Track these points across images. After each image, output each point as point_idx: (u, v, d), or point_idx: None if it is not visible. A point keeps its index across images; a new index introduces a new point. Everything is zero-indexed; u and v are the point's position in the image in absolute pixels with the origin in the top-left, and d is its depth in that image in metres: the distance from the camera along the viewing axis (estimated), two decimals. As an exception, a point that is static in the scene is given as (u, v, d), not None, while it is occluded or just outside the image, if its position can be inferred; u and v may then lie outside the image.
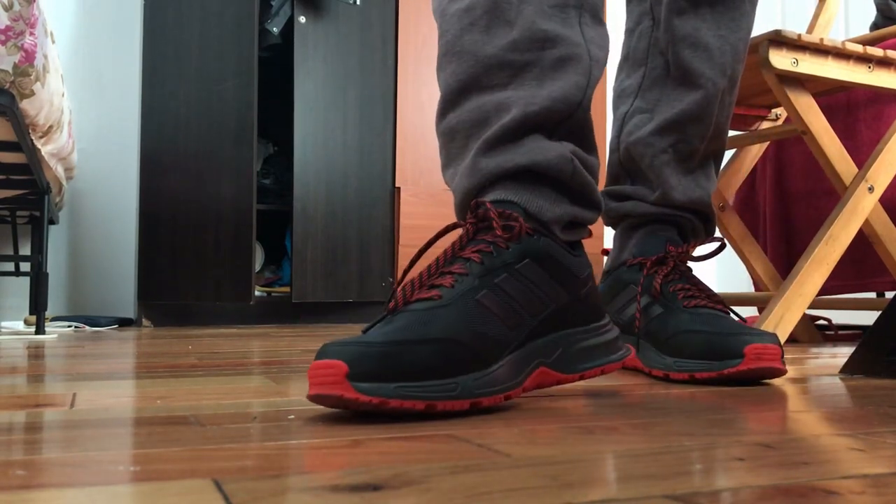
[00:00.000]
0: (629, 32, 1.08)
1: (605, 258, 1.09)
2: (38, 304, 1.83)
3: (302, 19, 2.53)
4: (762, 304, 1.51)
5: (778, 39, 1.28)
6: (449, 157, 0.77)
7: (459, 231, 2.57)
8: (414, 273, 2.57)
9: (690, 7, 1.00)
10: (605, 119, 2.97)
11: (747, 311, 3.07)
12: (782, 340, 1.30)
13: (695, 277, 0.94)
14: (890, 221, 1.43)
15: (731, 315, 0.91)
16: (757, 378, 0.83)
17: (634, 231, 1.01)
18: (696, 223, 1.01)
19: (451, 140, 0.75)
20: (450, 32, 0.74)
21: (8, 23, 1.37)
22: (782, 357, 0.82)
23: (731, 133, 1.68)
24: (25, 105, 1.46)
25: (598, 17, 0.77)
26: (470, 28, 0.73)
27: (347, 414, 0.61)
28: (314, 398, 0.56)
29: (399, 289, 0.65)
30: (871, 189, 1.36)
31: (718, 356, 0.82)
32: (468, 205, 0.74)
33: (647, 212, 1.00)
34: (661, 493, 0.37)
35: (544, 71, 0.72)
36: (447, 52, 0.74)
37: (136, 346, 1.44)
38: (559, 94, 0.72)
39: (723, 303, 0.91)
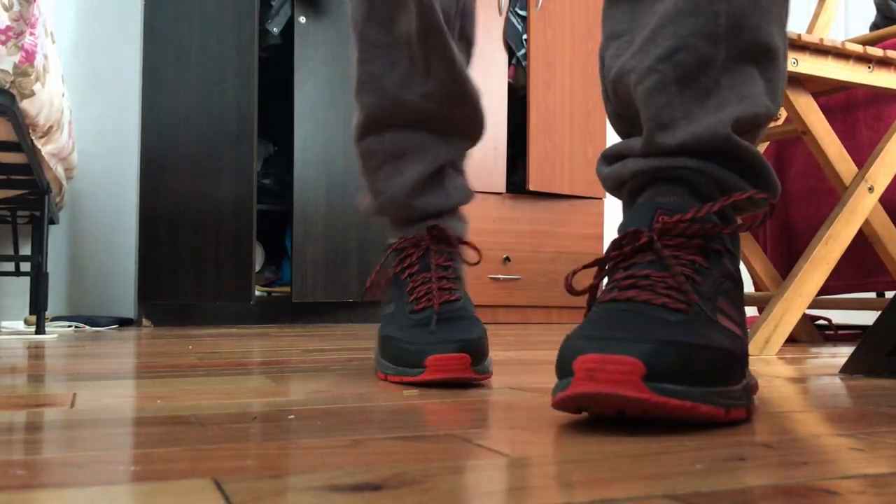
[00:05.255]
0: None
1: None
2: (38, 304, 1.83)
3: (302, 19, 2.53)
4: (762, 304, 1.51)
5: (778, 39, 1.27)
6: (366, 170, 0.94)
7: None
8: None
9: None
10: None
11: (747, 312, 3.06)
12: (782, 340, 1.30)
13: (667, 263, 0.60)
14: (890, 221, 1.43)
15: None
16: None
17: (633, 199, 0.70)
18: (718, 173, 0.65)
19: (370, 158, 0.92)
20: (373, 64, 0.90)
21: (8, 23, 1.37)
22: None
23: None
24: (26, 105, 1.46)
25: None
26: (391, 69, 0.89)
27: (347, 414, 0.61)
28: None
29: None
30: (870, 189, 1.36)
31: None
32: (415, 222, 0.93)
33: (638, 169, 0.68)
34: (661, 493, 0.37)
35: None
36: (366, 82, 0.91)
37: (136, 346, 1.44)
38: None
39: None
